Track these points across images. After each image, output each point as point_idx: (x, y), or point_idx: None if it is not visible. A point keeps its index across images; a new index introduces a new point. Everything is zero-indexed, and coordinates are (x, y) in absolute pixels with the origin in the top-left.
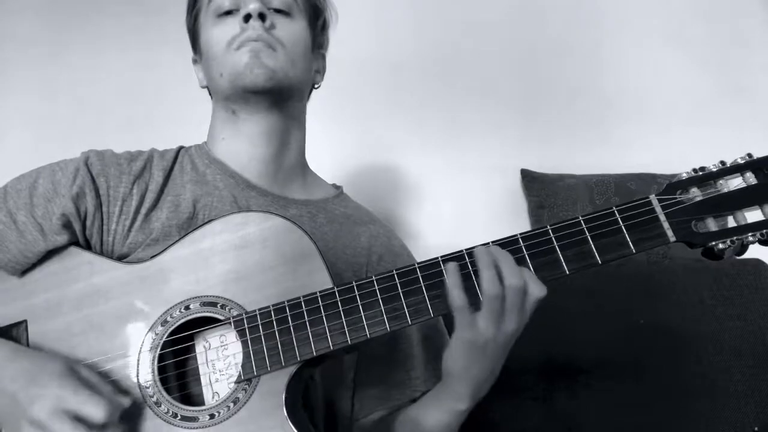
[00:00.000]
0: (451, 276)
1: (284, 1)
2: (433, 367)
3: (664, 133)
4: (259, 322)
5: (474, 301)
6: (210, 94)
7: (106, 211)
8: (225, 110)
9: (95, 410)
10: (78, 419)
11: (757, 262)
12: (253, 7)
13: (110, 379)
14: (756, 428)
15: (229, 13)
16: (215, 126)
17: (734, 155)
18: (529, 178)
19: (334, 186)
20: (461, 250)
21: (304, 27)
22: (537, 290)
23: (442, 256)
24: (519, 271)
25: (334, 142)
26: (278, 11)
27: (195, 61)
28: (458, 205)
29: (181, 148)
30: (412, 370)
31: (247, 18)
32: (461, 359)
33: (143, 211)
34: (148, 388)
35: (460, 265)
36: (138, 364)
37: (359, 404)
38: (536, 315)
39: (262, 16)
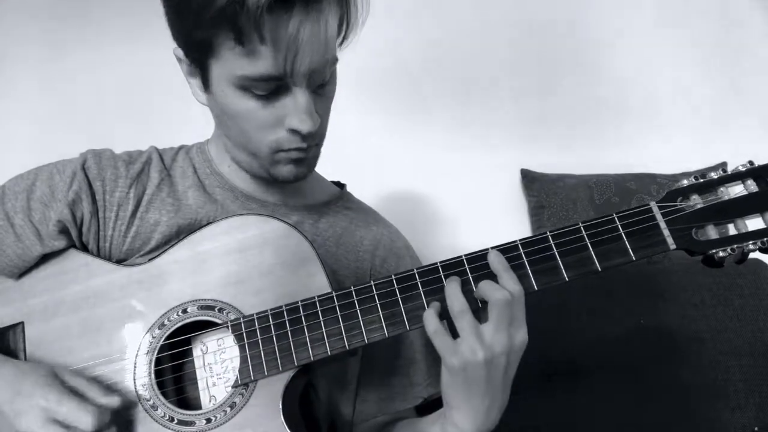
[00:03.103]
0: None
1: (331, 69)
2: (435, 372)
3: (664, 133)
4: (257, 326)
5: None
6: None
7: (102, 216)
8: (237, 164)
9: (84, 418)
10: (68, 427)
11: (756, 263)
12: (306, 129)
13: (106, 383)
14: (756, 428)
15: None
16: (220, 152)
17: (733, 155)
18: (529, 178)
19: (337, 184)
20: (460, 256)
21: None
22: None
23: (441, 262)
24: (514, 279)
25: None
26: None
27: (189, 73)
28: (458, 205)
29: (181, 147)
30: (414, 376)
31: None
32: (454, 388)
33: (139, 214)
34: (144, 391)
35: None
36: (135, 367)
37: (360, 408)
38: (536, 315)
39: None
